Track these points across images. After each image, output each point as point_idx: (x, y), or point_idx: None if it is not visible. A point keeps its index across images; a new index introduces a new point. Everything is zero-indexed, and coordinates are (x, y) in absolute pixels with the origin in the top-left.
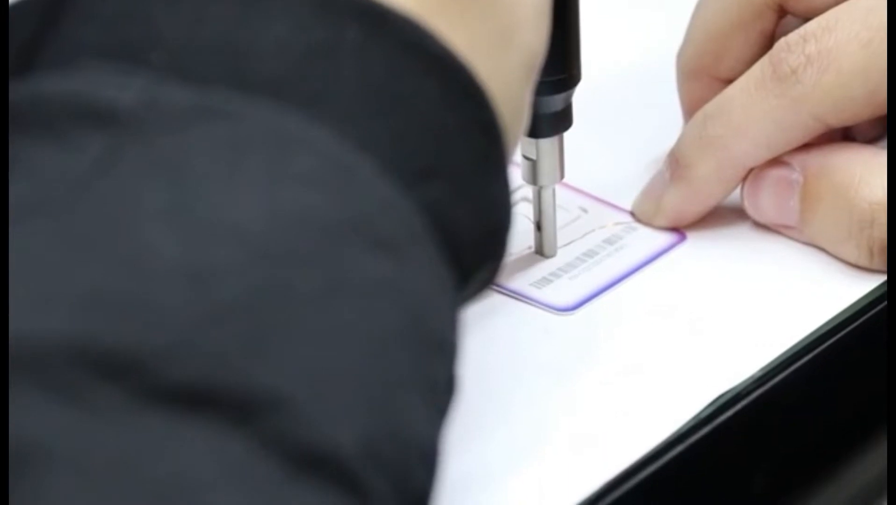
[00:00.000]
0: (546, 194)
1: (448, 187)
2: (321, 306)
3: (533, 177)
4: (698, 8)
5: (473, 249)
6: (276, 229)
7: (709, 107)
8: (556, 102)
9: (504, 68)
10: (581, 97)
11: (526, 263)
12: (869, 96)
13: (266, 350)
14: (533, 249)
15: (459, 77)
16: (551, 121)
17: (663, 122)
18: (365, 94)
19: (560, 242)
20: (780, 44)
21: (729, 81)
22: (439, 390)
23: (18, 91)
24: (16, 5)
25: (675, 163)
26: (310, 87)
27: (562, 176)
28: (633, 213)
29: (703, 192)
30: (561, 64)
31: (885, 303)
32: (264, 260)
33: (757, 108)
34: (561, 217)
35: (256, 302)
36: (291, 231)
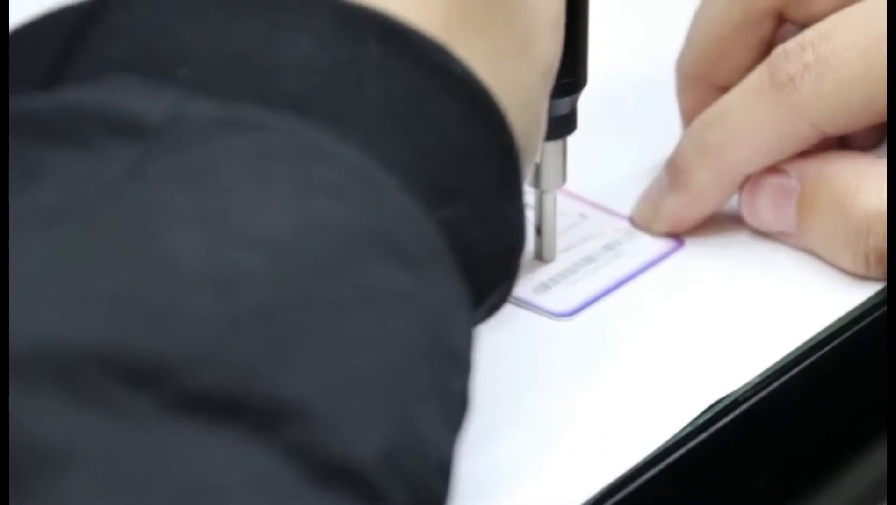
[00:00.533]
0: (548, 199)
1: (467, 208)
2: (345, 316)
3: (536, 180)
4: (698, 14)
5: (489, 270)
6: (303, 238)
7: (706, 114)
8: (562, 106)
9: (523, 79)
10: (581, 103)
11: (526, 268)
12: (867, 104)
13: (291, 359)
14: (533, 255)
15: (480, 99)
16: (556, 124)
17: (663, 129)
18: (388, 111)
19: (559, 248)
20: (778, 51)
21: (727, 88)
22: (454, 404)
23: (46, 102)
24: (41, 20)
25: (674, 169)
26: (334, 103)
27: (564, 180)
28: (631, 220)
29: (701, 198)
30: (569, 67)
31: (883, 309)
32: (291, 269)
33: (754, 115)
34: (560, 223)
35: (282, 311)
36: (317, 241)
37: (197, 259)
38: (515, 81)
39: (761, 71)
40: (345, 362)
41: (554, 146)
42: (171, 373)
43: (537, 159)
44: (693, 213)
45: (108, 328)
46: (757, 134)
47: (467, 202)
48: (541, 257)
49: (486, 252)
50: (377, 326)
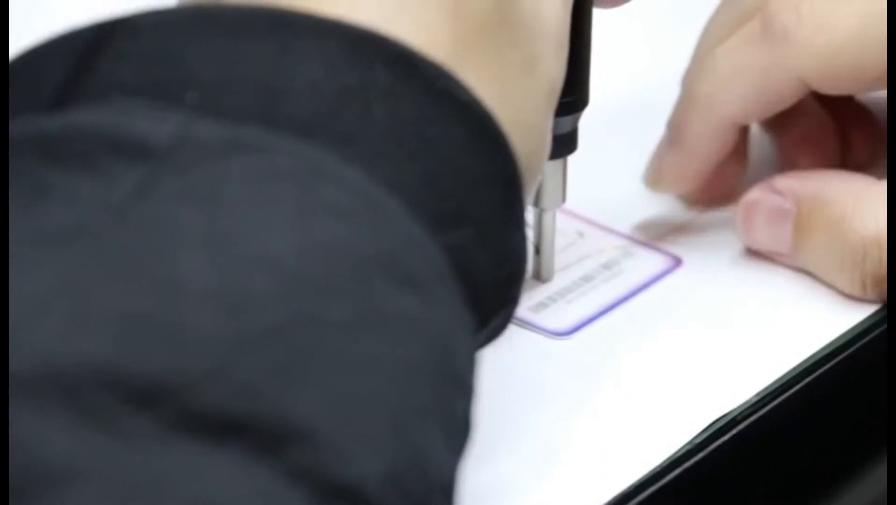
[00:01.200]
0: (547, 217)
1: (472, 233)
2: (351, 338)
3: (535, 199)
4: (705, 32)
5: (492, 295)
6: (308, 260)
7: (696, 64)
8: (563, 125)
9: (527, 99)
10: (581, 121)
11: (523, 287)
12: (857, 68)
13: (296, 380)
14: (531, 274)
15: (485, 125)
16: (557, 143)
17: None
18: (394, 137)
19: (557, 267)
20: (774, 2)
21: None
22: (458, 428)
23: (53, 123)
24: (49, 44)
25: (670, 125)
26: (340, 128)
27: (564, 200)
28: (644, 181)
29: (696, 152)
30: (571, 86)
31: (882, 328)
32: (296, 290)
33: (744, 62)
34: (558, 241)
35: (288, 331)
36: (322, 262)
37: (203, 279)
38: (521, 103)
39: (755, 21)
40: (350, 384)
41: (554, 165)
42: (176, 392)
43: None
44: (692, 167)
45: (113, 347)
46: (744, 82)
47: (472, 228)
48: (539, 277)
49: (489, 278)
50: (382, 347)
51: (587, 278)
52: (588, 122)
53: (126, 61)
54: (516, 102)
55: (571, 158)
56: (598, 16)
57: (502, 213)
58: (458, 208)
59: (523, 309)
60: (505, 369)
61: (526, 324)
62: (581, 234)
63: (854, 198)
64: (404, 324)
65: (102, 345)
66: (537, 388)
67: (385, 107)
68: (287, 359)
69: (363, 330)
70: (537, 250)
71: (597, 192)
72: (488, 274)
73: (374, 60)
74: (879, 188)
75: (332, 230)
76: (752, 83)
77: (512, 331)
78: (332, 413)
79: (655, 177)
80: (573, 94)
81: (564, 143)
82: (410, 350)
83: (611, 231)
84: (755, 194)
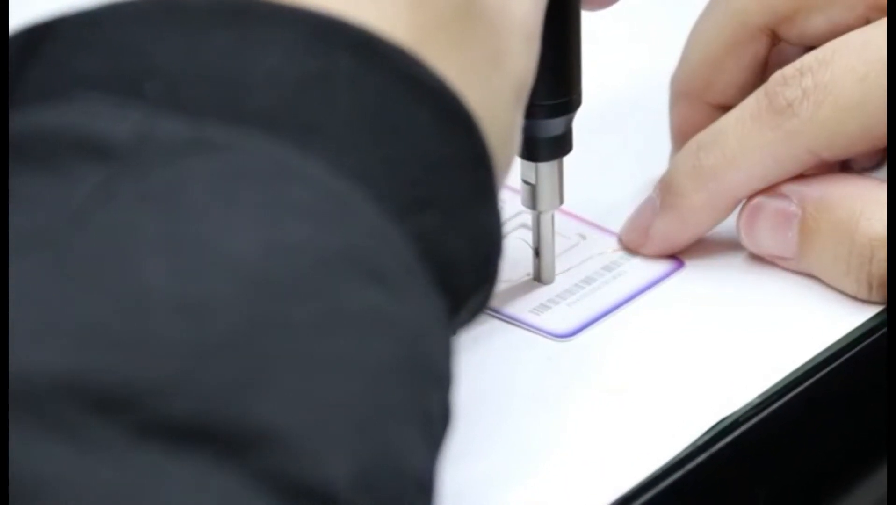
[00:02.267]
0: (545, 219)
1: (441, 217)
2: (316, 338)
3: (532, 201)
4: (693, 32)
5: (465, 277)
6: (271, 261)
7: (702, 136)
8: (556, 126)
9: (494, 94)
10: (579, 123)
11: (524, 289)
12: (864, 130)
13: (261, 383)
14: (531, 276)
15: (452, 107)
16: (551, 145)
17: (664, 149)
18: (358, 124)
19: (558, 269)
20: (777, 76)
21: (720, 107)
22: (434, 420)
23: (16, 123)
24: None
25: (666, 191)
26: (303, 117)
27: (561, 201)
28: (620, 240)
29: (693, 221)
30: (563, 87)
31: (883, 331)
32: (260, 292)
33: (752, 139)
34: (559, 243)
35: (252, 335)
36: (286, 263)
37: (165, 285)
38: (486, 95)
39: (759, 95)
40: (316, 384)
41: (550, 167)
42: (140, 400)
43: (533, 178)
44: (685, 235)
45: (76, 357)
46: (753, 158)
47: (440, 211)
48: (539, 279)
49: (463, 260)
50: (350, 347)
51: (589, 280)
52: (590, 125)
53: (82, 49)
54: (482, 95)
55: (573, 161)
56: (593, 15)
57: (472, 194)
58: (426, 192)
59: (525, 311)
60: (507, 371)
61: (528, 326)
62: (583, 237)
63: (862, 200)
64: (372, 321)
65: (64, 355)
66: (539, 390)
67: (348, 93)
68: (251, 363)
69: (330, 330)
70: (537, 253)
71: (598, 195)
72: (462, 256)
73: (336, 47)
74: (885, 190)
75: (295, 229)
76: (761, 160)
77: (514, 333)
78: (298, 416)
79: (640, 240)
80: (566, 95)
81: (559, 145)
82: (379, 347)
83: (613, 233)
84: (759, 198)
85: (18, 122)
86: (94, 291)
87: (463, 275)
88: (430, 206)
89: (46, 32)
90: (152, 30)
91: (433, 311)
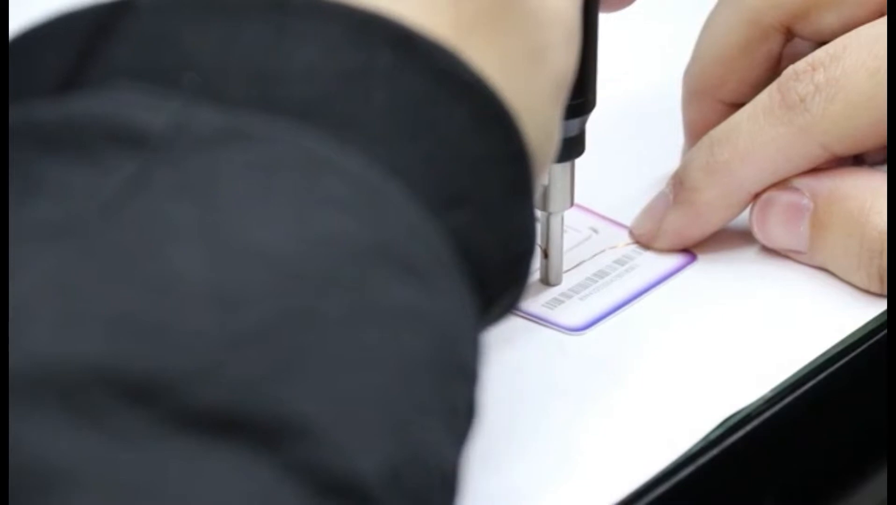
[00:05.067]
0: (555, 221)
1: (475, 214)
2: (348, 331)
3: (543, 203)
4: (705, 29)
5: (497, 276)
6: (305, 253)
7: (715, 132)
8: (571, 127)
9: (535, 89)
10: (593, 117)
11: (535, 285)
12: (876, 125)
13: (294, 375)
14: (539, 278)
15: (490, 104)
16: (565, 146)
17: (676, 143)
18: (395, 119)
19: (571, 263)
20: (789, 72)
21: (732, 104)
22: (461, 416)
23: (51, 112)
24: (51, 26)
25: (680, 186)
26: (339, 111)
27: (571, 203)
28: (631, 234)
29: (706, 216)
30: (579, 88)
31: (885, 332)
32: (293, 284)
33: (764, 135)
34: (572, 237)
35: (285, 326)
36: (320, 255)
37: (198, 275)
38: (526, 90)
39: (771, 91)
40: (347, 377)
41: (562, 168)
42: (171, 390)
43: (546, 179)
44: (697, 229)
45: (108, 346)
46: (766, 154)
47: (476, 208)
48: (547, 281)
49: (496, 258)
50: (382, 341)
51: (601, 274)
52: (603, 120)
53: (124, 41)
54: (522, 90)
55: (585, 155)
56: (605, 15)
57: (508, 191)
58: (461, 189)
59: (538, 305)
60: (520, 365)
61: (540, 320)
62: (595, 231)
63: (873, 193)
64: (404, 315)
65: (95, 344)
66: (552, 383)
67: (385, 89)
68: (283, 355)
69: (362, 323)
70: (545, 254)
71: (610, 189)
72: (494, 254)
73: (375, 42)
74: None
75: (330, 222)
76: (774, 155)
77: (526, 327)
78: (329, 408)
79: (653, 233)
80: (581, 97)
81: (572, 146)
82: (411, 341)
83: (624, 227)
84: (770, 192)
85: (52, 110)
86: (126, 280)
87: (494, 274)
88: (465, 202)
89: (102, 25)
90: (190, 21)
91: (464, 307)
